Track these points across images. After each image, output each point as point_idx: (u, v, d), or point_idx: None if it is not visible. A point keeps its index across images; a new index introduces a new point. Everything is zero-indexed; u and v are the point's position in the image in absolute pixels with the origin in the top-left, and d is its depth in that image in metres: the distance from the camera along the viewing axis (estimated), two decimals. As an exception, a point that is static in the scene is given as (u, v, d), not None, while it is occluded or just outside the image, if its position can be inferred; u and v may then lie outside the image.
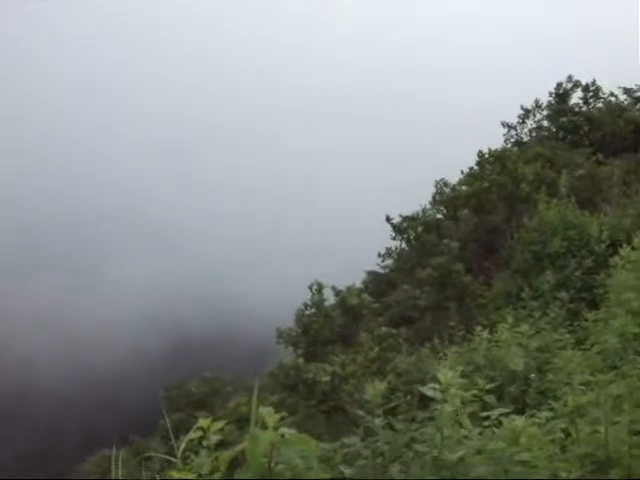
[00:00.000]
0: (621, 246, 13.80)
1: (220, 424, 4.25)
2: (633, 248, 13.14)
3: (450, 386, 5.45)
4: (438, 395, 5.46)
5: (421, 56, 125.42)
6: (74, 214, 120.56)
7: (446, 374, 5.40)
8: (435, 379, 5.55)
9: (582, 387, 6.94)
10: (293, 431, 3.52)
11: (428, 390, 5.50)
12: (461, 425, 6.00)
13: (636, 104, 32.98)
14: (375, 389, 6.07)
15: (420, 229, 27.19)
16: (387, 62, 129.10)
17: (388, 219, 28.36)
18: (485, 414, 6.12)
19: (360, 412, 6.61)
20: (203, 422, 4.21)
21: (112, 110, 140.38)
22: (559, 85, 33.73)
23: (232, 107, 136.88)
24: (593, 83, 33.88)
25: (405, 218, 28.22)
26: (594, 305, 13.58)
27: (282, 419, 3.61)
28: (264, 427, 3.55)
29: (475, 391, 7.58)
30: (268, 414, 3.48)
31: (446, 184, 28.91)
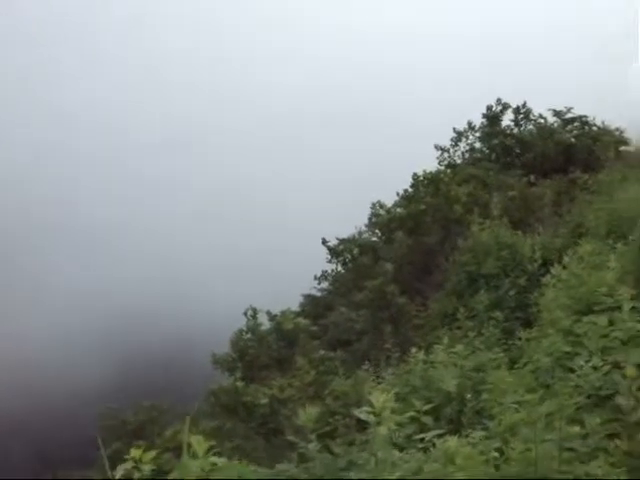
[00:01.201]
0: (553, 265, 14.05)
1: (152, 453, 4.21)
2: (564, 267, 13.37)
3: (383, 409, 5.45)
4: (372, 419, 5.46)
5: (360, 79, 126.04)
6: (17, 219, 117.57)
7: (378, 398, 5.39)
8: (369, 403, 5.56)
9: (515, 406, 7.02)
10: (224, 459, 3.50)
11: (362, 414, 5.50)
12: (397, 447, 6.03)
13: (565, 126, 33.60)
14: (308, 414, 6.06)
15: (356, 251, 27.31)
16: (326, 83, 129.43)
17: (324, 242, 28.44)
18: (420, 436, 6.15)
19: (293, 437, 6.58)
20: (134, 452, 4.16)
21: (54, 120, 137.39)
22: (489, 108, 34.21)
23: (174, 122, 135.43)
24: (524, 105, 34.41)
25: (341, 240, 28.33)
26: (528, 324, 13.75)
27: (212, 447, 3.59)
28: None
29: (412, 413, 7.63)
30: (198, 442, 3.46)
31: (382, 206, 29.12)
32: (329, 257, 28.42)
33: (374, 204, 29.41)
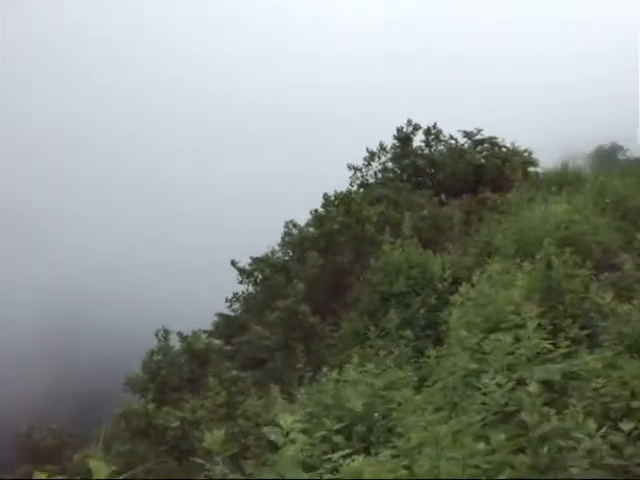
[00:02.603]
0: (462, 284, 14.28)
1: (58, 478, 4.14)
2: (473, 285, 13.60)
3: (292, 429, 5.45)
4: (280, 439, 5.45)
5: (274, 96, 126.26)
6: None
7: (286, 419, 5.39)
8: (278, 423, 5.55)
9: (423, 424, 7.09)
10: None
11: (271, 434, 5.50)
12: (308, 467, 6.03)
13: (476, 147, 34.10)
14: (214, 436, 6.02)
15: (268, 271, 27.16)
16: (242, 100, 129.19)
17: (233, 263, 28.15)
18: (328, 456, 6.16)
19: (202, 460, 6.52)
20: (39, 477, 4.09)
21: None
22: (400, 129, 34.49)
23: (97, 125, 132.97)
24: (434, 126, 34.76)
25: (254, 260, 28.17)
26: (439, 342, 13.93)
27: (118, 472, 3.55)
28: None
29: (324, 432, 7.65)
30: (98, 467, 3.42)
31: (295, 225, 29.10)
32: (240, 278, 28.15)
33: (287, 223, 29.36)
